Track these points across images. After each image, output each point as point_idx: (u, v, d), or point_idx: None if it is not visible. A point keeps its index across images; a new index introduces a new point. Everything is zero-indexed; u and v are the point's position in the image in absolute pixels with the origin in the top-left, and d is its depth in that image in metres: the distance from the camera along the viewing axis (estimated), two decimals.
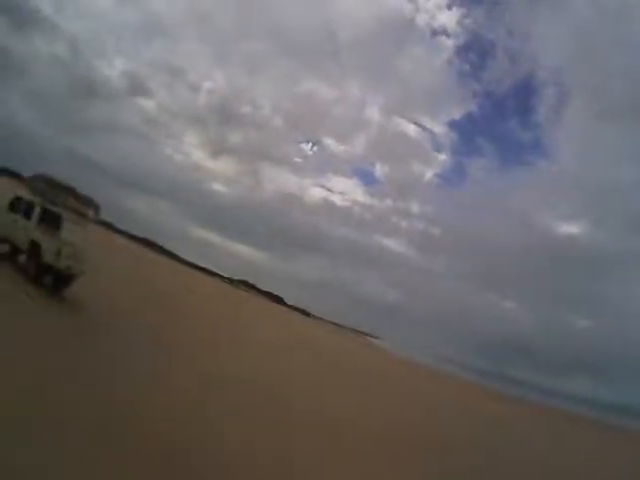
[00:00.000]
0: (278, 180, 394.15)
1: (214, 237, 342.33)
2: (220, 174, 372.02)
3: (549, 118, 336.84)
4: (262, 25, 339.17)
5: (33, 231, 14.12)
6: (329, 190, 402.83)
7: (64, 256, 13.76)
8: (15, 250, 15.33)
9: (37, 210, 14.41)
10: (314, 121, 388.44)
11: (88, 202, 15.44)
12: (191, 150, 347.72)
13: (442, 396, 37.35)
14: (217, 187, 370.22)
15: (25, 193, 15.36)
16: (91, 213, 15.51)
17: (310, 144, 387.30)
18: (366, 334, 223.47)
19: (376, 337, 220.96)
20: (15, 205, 15.01)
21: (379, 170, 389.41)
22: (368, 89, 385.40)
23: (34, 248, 13.92)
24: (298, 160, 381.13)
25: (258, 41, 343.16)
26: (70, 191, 14.76)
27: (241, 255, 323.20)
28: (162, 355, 13.21)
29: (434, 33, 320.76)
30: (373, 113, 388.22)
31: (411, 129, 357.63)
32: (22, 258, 14.95)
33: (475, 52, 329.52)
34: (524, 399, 71.01)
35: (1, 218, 15.11)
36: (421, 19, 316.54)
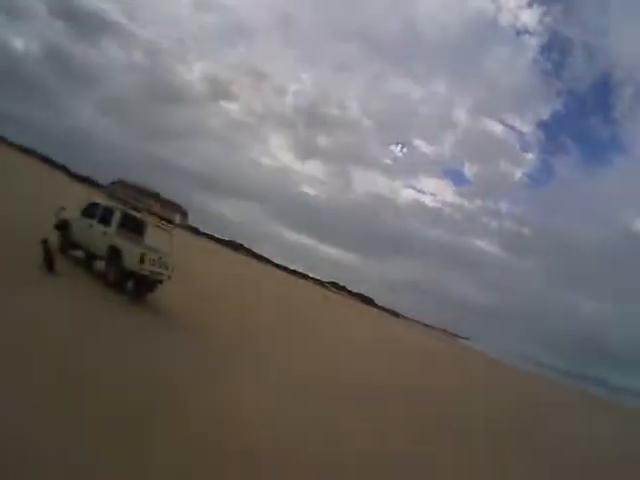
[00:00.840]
0: (368, 182, 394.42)
1: (304, 239, 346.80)
2: (309, 176, 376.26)
3: (628, 115, 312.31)
4: (348, 26, 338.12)
5: (112, 237, 13.97)
6: (420, 191, 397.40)
7: (147, 262, 13.59)
8: (90, 256, 15.26)
9: (117, 216, 14.28)
10: (403, 122, 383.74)
11: (174, 207, 15.15)
12: (279, 153, 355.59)
13: (544, 399, 34.90)
14: (306, 189, 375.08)
15: (103, 199, 15.31)
16: (177, 218, 15.19)
17: (399, 145, 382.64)
18: (456, 335, 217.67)
19: (466, 338, 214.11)
20: (90, 211, 14.91)
21: (468, 170, 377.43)
22: (454, 89, 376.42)
23: (114, 254, 13.78)
24: (388, 162, 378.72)
25: (344, 42, 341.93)
26: (155, 196, 14.51)
27: (331, 257, 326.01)
28: (262, 360, 13.53)
29: (517, 32, 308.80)
30: (460, 113, 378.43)
31: (498, 129, 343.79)
32: (100, 264, 14.89)
33: (556, 50, 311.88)
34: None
35: (75, 224, 15.00)
36: (503, 18, 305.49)
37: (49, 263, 12.29)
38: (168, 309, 15.23)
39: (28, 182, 41.71)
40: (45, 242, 12.39)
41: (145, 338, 10.99)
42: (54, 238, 14.77)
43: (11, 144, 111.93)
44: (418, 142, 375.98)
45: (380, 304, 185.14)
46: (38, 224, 15.91)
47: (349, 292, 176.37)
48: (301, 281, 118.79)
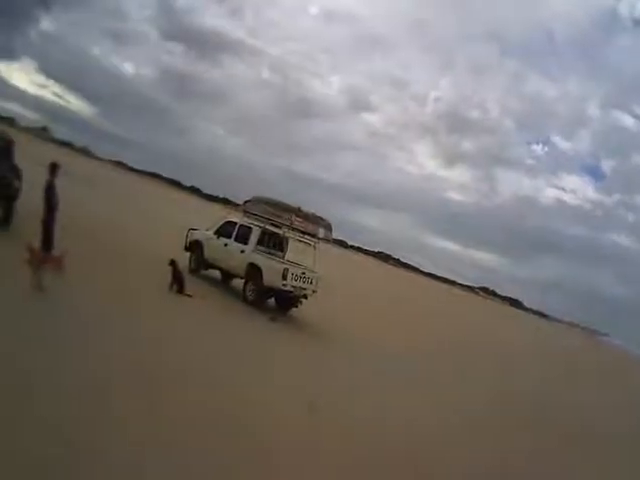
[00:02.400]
0: (512, 183, 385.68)
1: (451, 245, 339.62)
2: (454, 182, 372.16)
3: None
4: (481, 28, 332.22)
5: (251, 254, 14.08)
6: (561, 189, 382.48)
7: (290, 277, 13.53)
8: (227, 275, 15.51)
9: (255, 233, 14.42)
10: (541, 120, 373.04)
11: (317, 221, 14.79)
12: (423, 160, 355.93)
13: None
14: (452, 195, 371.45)
15: (240, 218, 15.51)
16: (321, 232, 14.84)
17: (540, 144, 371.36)
18: (595, 331, 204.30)
19: (604, 334, 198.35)
20: (226, 230, 15.08)
21: (605, 165, 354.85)
22: (585, 84, 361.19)
23: (253, 271, 13.84)
24: (530, 161, 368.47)
25: (479, 44, 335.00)
26: (296, 211, 14.27)
27: (479, 262, 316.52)
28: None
29: (636, 22, 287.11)
30: (592, 107, 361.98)
31: (629, 121, 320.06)
32: (238, 283, 15.04)
33: None
34: None
35: (208, 244, 15.20)
36: (622, 9, 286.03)
37: (179, 284, 12.11)
38: (316, 324, 15.22)
39: (158, 206, 43.44)
40: (173, 263, 12.25)
41: (304, 355, 11.10)
42: (184, 259, 14.95)
43: (136, 170, 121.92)
44: (556, 139, 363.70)
45: (529, 306, 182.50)
46: (169, 246, 16.10)
47: (498, 296, 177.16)
48: (452, 289, 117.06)
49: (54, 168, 10.26)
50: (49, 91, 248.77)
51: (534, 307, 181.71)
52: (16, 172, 12.56)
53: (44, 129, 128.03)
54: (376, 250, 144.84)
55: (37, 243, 9.74)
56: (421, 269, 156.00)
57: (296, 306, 14.76)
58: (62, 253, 9.37)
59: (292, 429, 6.42)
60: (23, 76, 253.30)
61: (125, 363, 6.67)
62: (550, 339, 55.34)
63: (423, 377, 12.97)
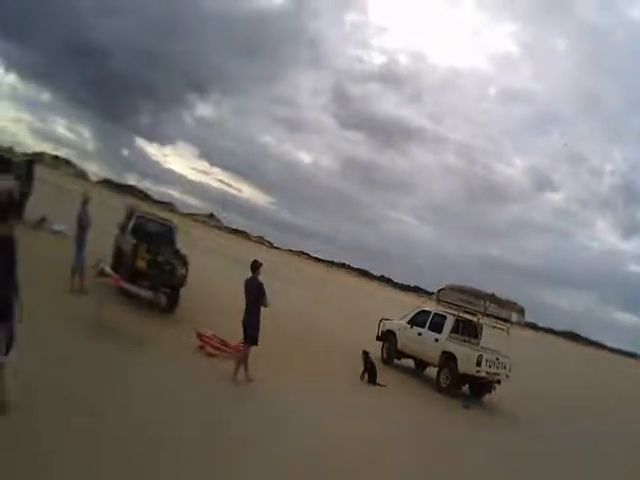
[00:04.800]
0: None
1: (637, 319, 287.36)
2: (633, 254, 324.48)
3: None
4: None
5: (445, 343, 14.11)
6: None
7: (484, 364, 13.34)
8: (421, 364, 15.58)
9: (449, 321, 14.47)
10: None
11: (509, 306, 14.59)
12: (603, 235, 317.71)
13: None
14: (633, 268, 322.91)
15: (434, 306, 15.76)
16: (514, 316, 14.66)
17: None
18: None
19: None
20: (420, 319, 15.26)
21: None
22: None
23: (447, 359, 13.86)
24: None
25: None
26: (489, 297, 14.25)
27: None
28: None
29: None
30: None
31: None
32: (431, 371, 15.13)
33: None
34: None
35: (402, 334, 15.49)
36: None
37: (371, 374, 12.32)
38: (513, 410, 14.71)
39: (348, 296, 44.91)
40: (366, 354, 12.62)
41: (508, 446, 10.62)
42: (376, 349, 15.28)
43: (321, 260, 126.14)
44: None
45: None
46: (361, 336, 16.65)
47: None
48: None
49: (256, 266, 9.35)
50: (213, 178, 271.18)
51: None
52: (181, 259, 12.71)
53: (211, 216, 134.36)
54: (564, 330, 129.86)
55: (206, 329, 10.50)
56: (607, 345, 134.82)
57: (490, 392, 14.42)
58: (240, 341, 9.70)
59: None
60: (180, 161, 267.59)
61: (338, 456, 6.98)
62: None
63: None
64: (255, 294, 9.16)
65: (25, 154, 26.59)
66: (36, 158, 27.80)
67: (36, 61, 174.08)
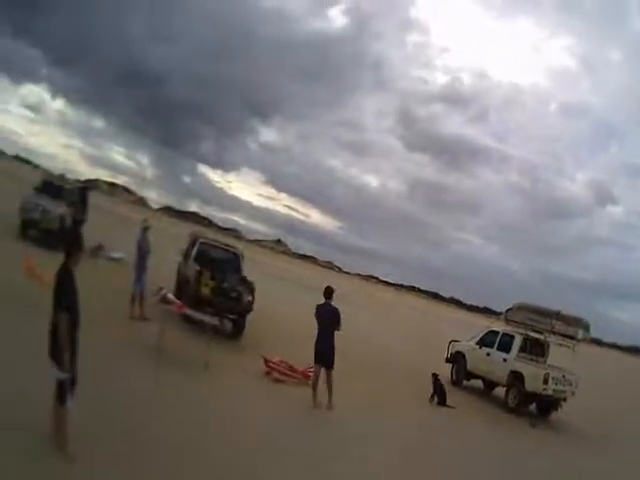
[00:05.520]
0: None
1: None
2: None
3: None
4: None
5: (513, 362, 14.15)
6: None
7: (551, 381, 13.37)
8: (490, 384, 15.58)
9: (517, 341, 14.52)
10: None
11: (575, 322, 14.55)
12: None
13: None
14: None
15: (503, 326, 15.79)
16: (579, 333, 14.49)
17: None
18: None
19: None
20: (488, 339, 15.37)
21: None
22: None
23: (515, 379, 13.90)
24: None
25: None
26: (555, 315, 14.29)
27: None
28: None
29: None
30: None
31: None
32: (499, 391, 15.21)
33: None
34: None
35: (471, 355, 15.63)
36: None
37: (440, 396, 12.48)
38: (575, 428, 14.55)
39: (417, 318, 44.47)
40: (435, 376, 12.77)
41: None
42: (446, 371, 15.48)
43: (390, 284, 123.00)
44: None
45: None
46: (431, 358, 16.85)
47: None
48: None
49: (330, 292, 9.58)
50: (279, 204, 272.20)
51: None
52: (247, 286, 12.59)
53: (278, 242, 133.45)
54: (629, 345, 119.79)
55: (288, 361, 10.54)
56: None
57: (556, 409, 14.39)
58: (308, 367, 10.01)
59: None
60: (245, 187, 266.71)
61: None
62: None
63: None
64: (329, 319, 9.31)
65: (78, 181, 26.48)
66: (90, 185, 27.12)
67: (85, 87, 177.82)
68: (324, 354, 9.25)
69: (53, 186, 17.71)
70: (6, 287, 9.74)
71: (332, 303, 9.53)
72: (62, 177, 19.57)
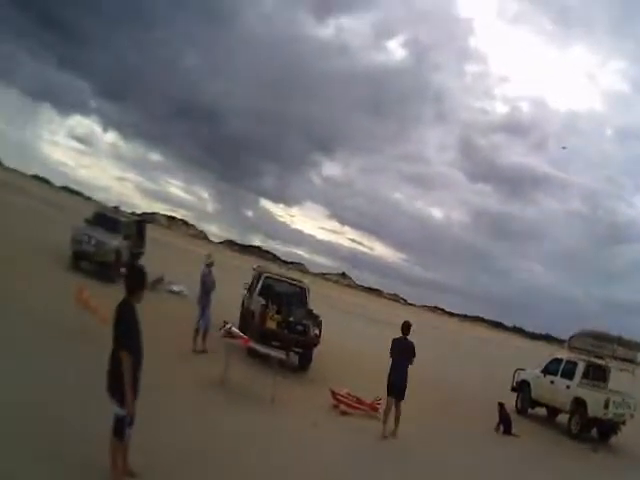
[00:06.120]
0: None
1: None
2: None
3: None
4: None
5: (576, 389, 14.29)
6: None
7: (611, 406, 13.49)
8: (553, 411, 15.70)
9: (580, 367, 14.70)
10: None
11: (636, 347, 14.93)
12: None
13: None
14: None
15: (567, 353, 16.02)
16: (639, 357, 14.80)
17: None
18: None
19: None
20: (552, 367, 15.57)
21: None
22: None
23: (578, 405, 14.05)
24: None
25: None
26: (617, 340, 14.71)
27: None
28: None
29: None
30: None
31: None
32: (562, 417, 15.28)
33: None
34: None
35: (535, 383, 15.75)
36: None
37: (506, 425, 12.61)
38: (635, 452, 14.43)
39: (480, 348, 43.32)
40: (501, 405, 12.88)
41: None
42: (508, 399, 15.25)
43: (455, 314, 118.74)
44: None
45: None
46: (496, 387, 16.93)
47: None
48: None
49: (407, 327, 9.87)
50: (343, 237, 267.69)
51: None
52: (314, 319, 12.59)
53: (343, 275, 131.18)
54: None
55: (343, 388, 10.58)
56: None
57: (616, 433, 14.40)
58: (375, 399, 10.24)
59: None
60: (309, 221, 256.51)
61: None
62: None
63: None
64: (405, 353, 9.56)
65: (134, 213, 27.38)
66: (147, 218, 25.68)
67: (139, 121, 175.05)
68: (397, 387, 9.46)
69: (107, 218, 17.42)
70: (58, 318, 9.93)
71: (409, 338, 9.77)
72: (117, 209, 19.16)
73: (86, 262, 16.48)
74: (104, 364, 4.77)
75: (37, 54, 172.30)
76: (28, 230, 21.84)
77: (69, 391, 6.66)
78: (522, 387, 16.07)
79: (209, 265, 12.04)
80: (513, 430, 12.59)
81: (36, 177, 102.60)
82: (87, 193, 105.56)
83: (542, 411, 15.98)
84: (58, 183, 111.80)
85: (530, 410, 15.95)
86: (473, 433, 12.10)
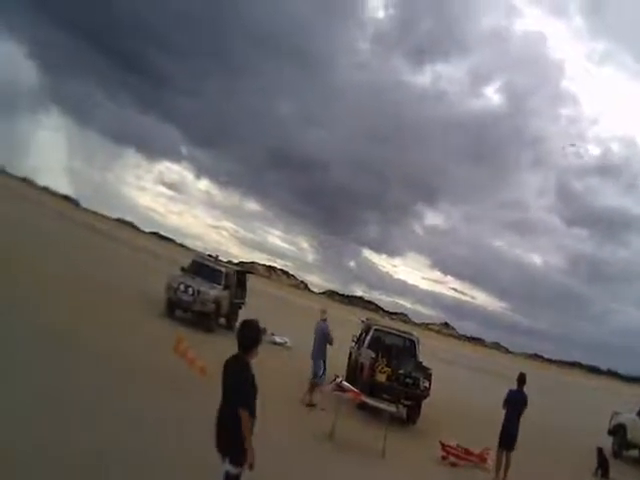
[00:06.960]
0: None
1: None
2: None
3: None
4: None
5: None
6: None
7: None
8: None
9: None
10: None
11: None
12: None
13: None
14: None
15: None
16: None
17: None
18: None
19: None
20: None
21: None
22: None
23: None
24: None
25: None
26: None
27: None
28: None
29: None
30: None
31: None
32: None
33: None
34: None
35: (631, 426, 15.61)
36: None
37: (603, 469, 12.63)
38: None
39: (577, 393, 41.25)
40: (600, 450, 12.92)
41: None
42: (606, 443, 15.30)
43: (553, 361, 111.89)
44: None
45: None
46: (594, 432, 16.71)
47: None
48: None
49: (523, 380, 10.05)
50: (446, 287, 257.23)
51: None
52: (424, 371, 12.42)
53: (445, 325, 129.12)
54: None
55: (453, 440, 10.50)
56: None
57: None
58: (484, 449, 10.35)
59: None
60: (411, 271, 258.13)
61: None
62: None
63: None
64: (519, 405, 9.79)
65: (231, 262, 26.95)
66: (248, 268, 24.61)
67: (232, 168, 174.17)
68: (510, 438, 9.61)
69: (206, 267, 17.17)
70: (156, 366, 10.04)
71: (524, 391, 9.95)
72: (216, 258, 18.56)
73: (180, 310, 16.30)
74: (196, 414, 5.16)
75: (121, 99, 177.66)
76: (126, 277, 22.73)
77: (163, 439, 6.76)
78: (618, 430, 16.00)
79: (324, 319, 12.01)
80: (611, 474, 12.59)
81: (120, 220, 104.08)
82: (179, 240, 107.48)
83: (635, 453, 15.80)
84: (146, 228, 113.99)
85: (626, 452, 15.88)
86: (573, 478, 12.28)
